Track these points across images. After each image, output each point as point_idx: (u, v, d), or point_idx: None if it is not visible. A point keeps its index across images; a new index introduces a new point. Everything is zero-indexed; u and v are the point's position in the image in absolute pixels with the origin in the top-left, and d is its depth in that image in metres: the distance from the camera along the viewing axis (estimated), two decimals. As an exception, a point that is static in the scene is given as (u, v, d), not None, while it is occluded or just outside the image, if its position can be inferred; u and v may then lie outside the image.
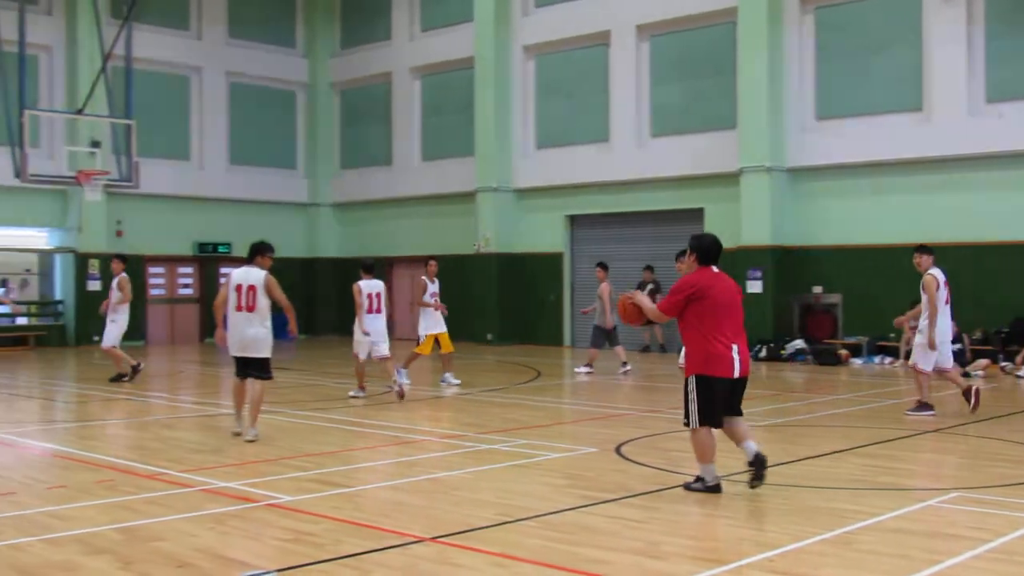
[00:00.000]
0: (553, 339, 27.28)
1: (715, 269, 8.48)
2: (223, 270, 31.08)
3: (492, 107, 28.06)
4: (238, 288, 11.47)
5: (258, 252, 11.61)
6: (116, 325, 18.30)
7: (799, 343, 22.15)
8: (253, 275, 11.48)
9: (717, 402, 8.27)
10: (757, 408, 13.85)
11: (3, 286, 17.66)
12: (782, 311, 23.15)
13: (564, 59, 27.48)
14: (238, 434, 11.57)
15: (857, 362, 21.15)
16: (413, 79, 31.15)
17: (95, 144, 25.56)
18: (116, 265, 18.45)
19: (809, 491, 8.55)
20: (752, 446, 8.30)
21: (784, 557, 6.50)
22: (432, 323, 17.12)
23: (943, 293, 13.16)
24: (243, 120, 31.99)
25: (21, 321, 28.79)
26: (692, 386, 8.30)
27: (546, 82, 27.90)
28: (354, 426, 12.73)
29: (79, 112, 23.67)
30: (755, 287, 22.97)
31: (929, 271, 13.22)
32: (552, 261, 27.52)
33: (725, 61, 24.17)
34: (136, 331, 29.47)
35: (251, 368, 11.54)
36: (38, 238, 28.98)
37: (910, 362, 13.53)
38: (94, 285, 28.29)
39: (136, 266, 29.57)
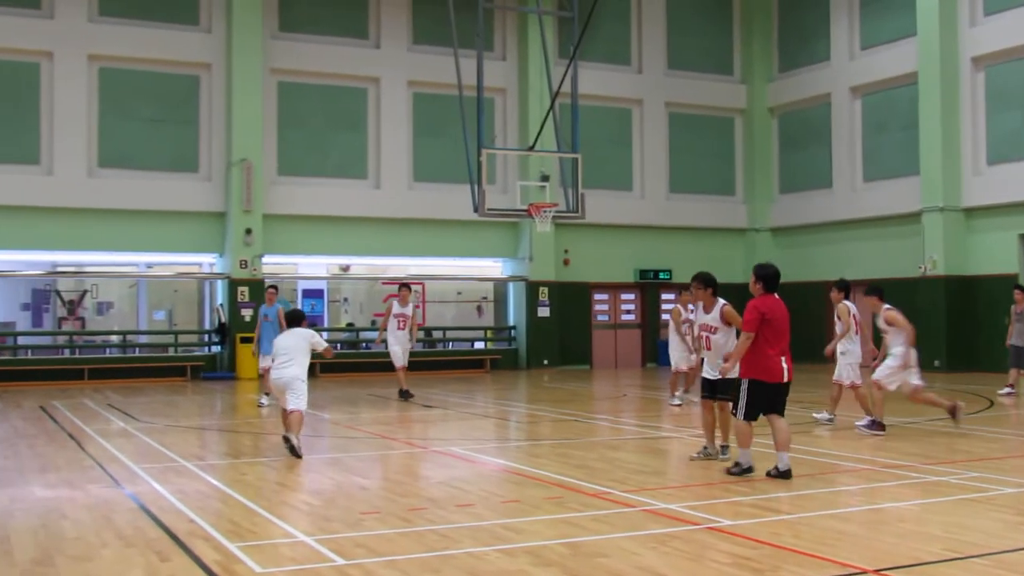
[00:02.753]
0: (1003, 366, 25.50)
1: (775, 296, 10.37)
2: (665, 296, 31.76)
3: (938, 123, 26.84)
4: None
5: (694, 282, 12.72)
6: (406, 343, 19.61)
7: None
8: None
9: (761, 402, 10.23)
10: None
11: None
12: None
13: (1017, 68, 25.78)
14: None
15: None
16: (853, 99, 30.41)
17: (544, 178, 27.11)
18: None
19: None
20: (785, 459, 10.26)
21: None
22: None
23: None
24: (682, 148, 32.64)
25: (479, 345, 31.02)
26: (745, 387, 10.26)
27: (997, 94, 26.29)
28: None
29: (530, 149, 25.19)
30: None
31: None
32: (1005, 283, 25.76)
33: None
34: (582, 355, 30.88)
35: None
36: (493, 268, 31.15)
37: (873, 377, 14.19)
38: (543, 312, 29.93)
39: (582, 293, 31.00)
